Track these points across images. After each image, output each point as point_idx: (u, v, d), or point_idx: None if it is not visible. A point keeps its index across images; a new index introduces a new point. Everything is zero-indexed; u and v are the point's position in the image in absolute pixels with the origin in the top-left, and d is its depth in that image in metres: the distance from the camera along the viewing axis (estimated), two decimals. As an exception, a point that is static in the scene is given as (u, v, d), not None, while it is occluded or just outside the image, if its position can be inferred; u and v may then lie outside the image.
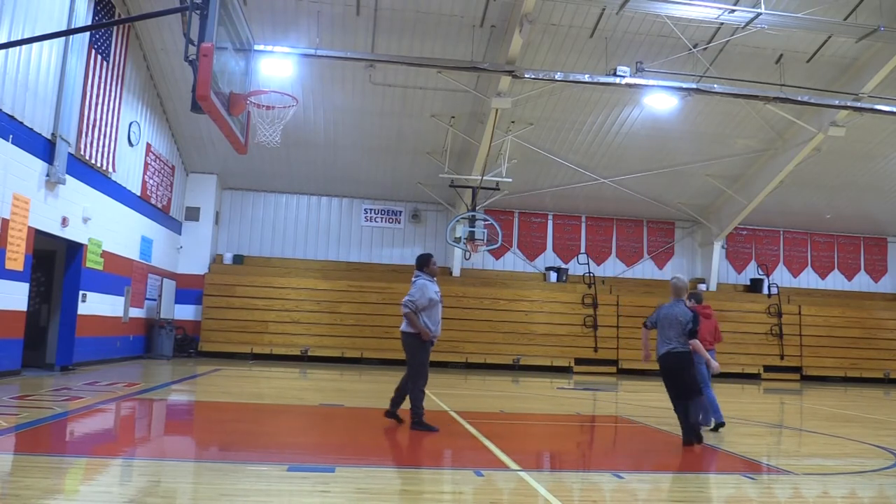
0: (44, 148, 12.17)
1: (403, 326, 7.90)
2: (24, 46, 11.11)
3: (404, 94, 18.22)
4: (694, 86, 15.54)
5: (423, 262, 8.10)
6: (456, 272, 22.55)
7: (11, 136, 11.04)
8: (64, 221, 13.06)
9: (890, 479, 6.07)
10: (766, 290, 23.53)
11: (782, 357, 22.62)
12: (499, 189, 20.09)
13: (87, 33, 13.35)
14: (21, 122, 11.36)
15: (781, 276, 24.67)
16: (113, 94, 14.92)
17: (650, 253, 24.33)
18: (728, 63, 16.59)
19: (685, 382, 7.38)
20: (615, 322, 21.99)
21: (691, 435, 7.31)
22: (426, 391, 8.06)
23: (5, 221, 10.86)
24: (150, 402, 9.74)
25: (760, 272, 24.40)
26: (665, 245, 24.46)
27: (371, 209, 23.17)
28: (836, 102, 16.19)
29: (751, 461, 6.83)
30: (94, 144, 14.16)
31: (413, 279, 8.01)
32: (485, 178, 19.01)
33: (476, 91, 17.52)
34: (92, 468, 5.47)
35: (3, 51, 10.42)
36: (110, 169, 15.03)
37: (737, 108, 18.45)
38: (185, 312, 20.70)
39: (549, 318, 21.77)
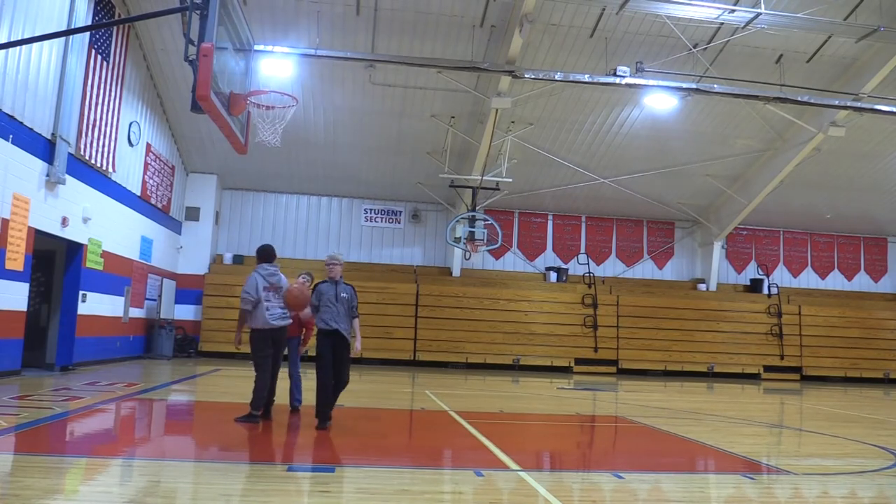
0: (44, 148, 12.17)
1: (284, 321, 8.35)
2: (24, 46, 11.11)
3: (404, 94, 18.22)
4: (694, 86, 15.53)
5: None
6: (456, 272, 22.54)
7: (11, 136, 11.04)
8: (64, 221, 13.06)
9: (890, 479, 6.06)
10: (766, 290, 23.53)
11: (782, 357, 22.62)
12: (499, 189, 20.08)
13: (87, 33, 13.34)
14: (21, 122, 11.36)
15: (781, 276, 24.67)
16: (113, 94, 14.91)
17: (650, 253, 24.32)
18: (728, 63, 16.58)
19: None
20: (615, 322, 21.99)
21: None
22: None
23: (5, 221, 10.85)
24: (150, 402, 9.74)
25: (760, 272, 24.40)
26: (665, 245, 24.46)
27: (371, 209, 23.17)
28: (836, 102, 16.18)
29: (751, 461, 6.83)
30: (94, 144, 14.16)
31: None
32: (485, 178, 18.99)
33: (476, 91, 17.52)
34: (92, 468, 5.47)
35: (3, 51, 10.42)
36: (110, 169, 15.03)
37: (737, 108, 18.44)
38: (185, 312, 20.69)
39: (549, 318, 21.76)
